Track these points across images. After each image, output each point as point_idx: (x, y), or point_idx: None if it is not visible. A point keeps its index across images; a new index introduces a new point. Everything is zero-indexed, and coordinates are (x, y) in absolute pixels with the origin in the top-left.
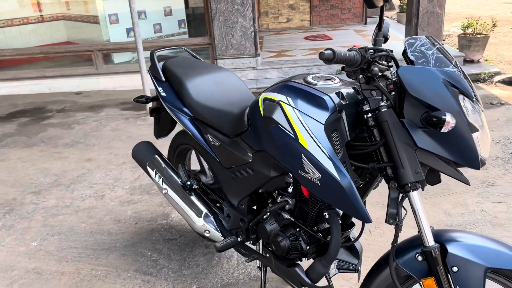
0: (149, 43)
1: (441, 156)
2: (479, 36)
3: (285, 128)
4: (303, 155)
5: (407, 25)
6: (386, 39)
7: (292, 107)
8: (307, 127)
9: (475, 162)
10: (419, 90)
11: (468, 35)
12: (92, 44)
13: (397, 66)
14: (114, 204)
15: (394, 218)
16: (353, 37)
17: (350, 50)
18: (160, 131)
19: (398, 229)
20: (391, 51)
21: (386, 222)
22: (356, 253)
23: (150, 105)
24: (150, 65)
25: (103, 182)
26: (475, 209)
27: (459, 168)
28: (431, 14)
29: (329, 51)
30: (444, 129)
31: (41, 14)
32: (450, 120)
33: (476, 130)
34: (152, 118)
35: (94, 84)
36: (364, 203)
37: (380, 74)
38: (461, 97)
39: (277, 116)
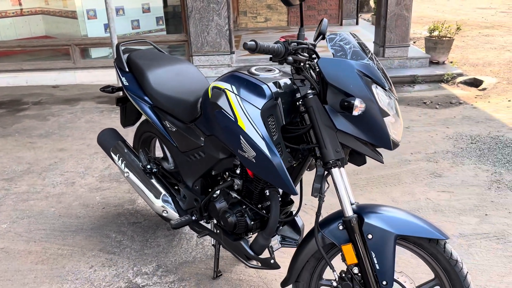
0: (126, 39)
1: (357, 137)
2: (444, 39)
3: (227, 112)
4: (241, 136)
5: (376, 27)
6: (323, 36)
7: (235, 94)
8: (246, 111)
9: (387, 143)
10: (336, 79)
11: (434, 38)
12: (69, 38)
13: (318, 58)
14: (84, 191)
15: (318, 191)
16: None
17: (276, 42)
18: (126, 121)
19: (321, 200)
20: (313, 45)
21: (311, 195)
22: (298, 229)
23: (117, 95)
24: (116, 57)
25: (74, 171)
26: (420, 197)
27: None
28: (399, 17)
29: (252, 42)
30: (355, 112)
31: (20, 7)
32: (358, 105)
33: (388, 115)
34: None
35: (71, 78)
36: (301, 181)
37: (295, 63)
38: (374, 85)
39: (222, 102)
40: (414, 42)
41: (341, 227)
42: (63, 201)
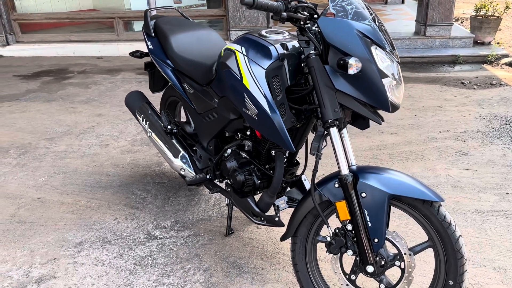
0: (172, 7)
1: (356, 98)
2: (491, 18)
3: (234, 72)
4: (245, 94)
5: (419, 5)
6: None
7: (243, 54)
8: (251, 71)
9: (385, 104)
10: (335, 38)
11: (480, 17)
12: (114, 12)
13: (318, 17)
14: (116, 152)
15: (316, 150)
16: None
17: (276, 0)
18: (154, 86)
19: (317, 158)
20: (314, 4)
21: (310, 153)
22: (304, 191)
23: (146, 60)
24: (143, 23)
25: (109, 134)
26: (441, 173)
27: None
28: None
29: None
30: (350, 71)
31: None
32: (353, 63)
33: (386, 76)
34: None
35: (114, 49)
36: (306, 142)
37: (292, 21)
38: (373, 46)
39: (230, 62)
40: (461, 22)
41: (337, 185)
42: (96, 161)
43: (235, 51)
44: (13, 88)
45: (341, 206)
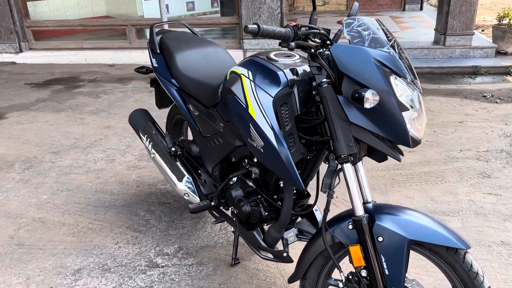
0: (180, 20)
1: (373, 132)
2: None
3: (239, 99)
4: (250, 124)
5: (438, 13)
6: None
7: (250, 80)
8: (258, 99)
9: (405, 139)
10: (350, 68)
11: (503, 26)
12: (126, 19)
13: (331, 43)
14: (122, 168)
15: (327, 187)
16: (387, 23)
17: (285, 26)
18: (161, 102)
19: (329, 196)
20: (327, 30)
21: (321, 190)
22: (316, 223)
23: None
24: (149, 38)
25: (116, 148)
26: (463, 198)
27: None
28: (464, 2)
29: (254, 26)
30: (366, 105)
31: None
32: (369, 97)
33: (407, 109)
34: None
35: (126, 57)
36: (318, 172)
37: (303, 49)
38: (392, 76)
39: (236, 87)
40: (482, 30)
41: (350, 227)
42: (101, 177)
43: (241, 75)
44: (23, 97)
45: (355, 251)
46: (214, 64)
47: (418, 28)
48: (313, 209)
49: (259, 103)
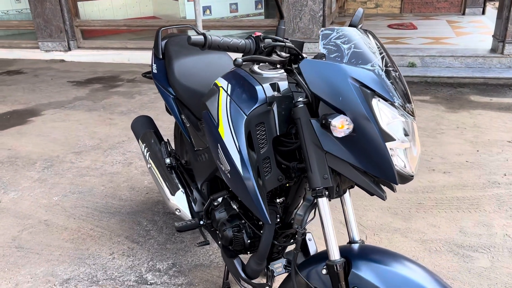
0: (221, 22)
1: (352, 164)
2: None
3: (211, 115)
4: (219, 145)
5: (498, 18)
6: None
7: (228, 94)
8: (230, 116)
9: (390, 174)
10: (322, 88)
11: None
12: (169, 20)
13: (302, 58)
14: (136, 173)
15: (299, 223)
16: (442, 28)
17: (247, 38)
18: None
19: (299, 236)
20: (300, 42)
21: (292, 227)
22: (308, 255)
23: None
24: (154, 42)
25: (135, 151)
26: (498, 231)
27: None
28: None
29: (200, 37)
30: (336, 134)
31: None
32: (337, 125)
33: (392, 139)
34: None
35: None
36: (304, 198)
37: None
38: (375, 99)
39: (210, 102)
40: None
41: (324, 272)
42: (114, 181)
43: (221, 88)
44: (63, 94)
45: None
46: (214, 72)
47: (475, 34)
48: (306, 239)
49: (230, 122)
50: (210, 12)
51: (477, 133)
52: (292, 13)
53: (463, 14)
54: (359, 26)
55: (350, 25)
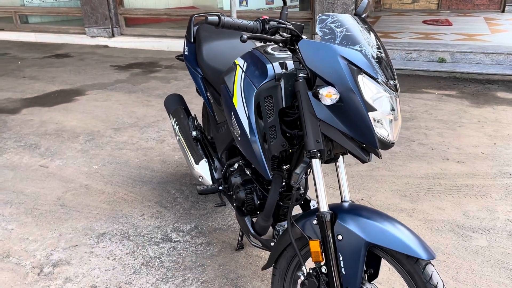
0: (256, 13)
1: (340, 130)
2: None
3: (228, 88)
4: (232, 113)
5: None
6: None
7: (243, 71)
8: (243, 89)
9: (372, 140)
10: (316, 64)
11: None
12: (207, 10)
13: (301, 39)
14: (168, 149)
15: (296, 180)
16: (478, 25)
17: (256, 20)
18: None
19: (294, 190)
20: (300, 26)
21: (290, 183)
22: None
23: None
24: (187, 27)
25: (169, 130)
26: (500, 216)
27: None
28: None
29: (215, 17)
30: (324, 102)
31: None
32: (324, 93)
33: (374, 109)
34: None
35: None
36: (308, 166)
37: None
38: (361, 75)
39: (228, 77)
40: None
41: (315, 222)
42: (148, 155)
43: (238, 66)
44: (105, 77)
45: (314, 245)
46: (237, 55)
47: (511, 32)
48: (311, 204)
49: (242, 94)
50: (247, 3)
51: (497, 127)
52: (325, 6)
53: (503, 11)
54: (363, 15)
55: (355, 14)
